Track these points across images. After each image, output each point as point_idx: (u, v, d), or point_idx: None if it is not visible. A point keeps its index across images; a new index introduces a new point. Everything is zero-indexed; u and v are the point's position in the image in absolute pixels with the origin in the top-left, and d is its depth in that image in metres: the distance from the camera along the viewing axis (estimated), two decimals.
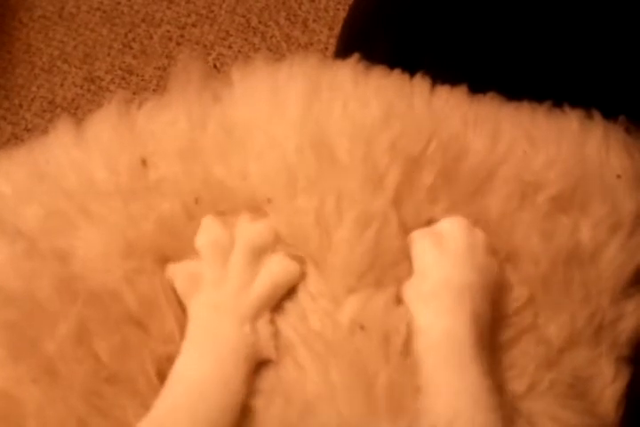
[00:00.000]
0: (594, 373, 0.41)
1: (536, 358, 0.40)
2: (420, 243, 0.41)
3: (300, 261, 0.41)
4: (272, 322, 0.39)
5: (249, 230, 0.41)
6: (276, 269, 0.40)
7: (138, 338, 0.38)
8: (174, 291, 0.40)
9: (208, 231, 0.41)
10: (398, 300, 0.40)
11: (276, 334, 0.39)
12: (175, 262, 0.41)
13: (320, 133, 0.42)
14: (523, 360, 0.40)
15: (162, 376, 0.37)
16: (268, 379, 0.38)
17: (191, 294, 0.40)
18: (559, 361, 0.41)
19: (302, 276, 0.40)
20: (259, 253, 0.40)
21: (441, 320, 0.38)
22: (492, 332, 0.39)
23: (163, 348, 0.38)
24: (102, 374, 0.37)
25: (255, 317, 0.39)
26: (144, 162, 0.41)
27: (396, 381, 0.37)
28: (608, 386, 0.41)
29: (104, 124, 0.43)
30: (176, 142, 0.42)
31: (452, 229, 0.41)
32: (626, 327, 0.42)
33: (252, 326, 0.38)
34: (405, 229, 0.41)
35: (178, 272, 0.40)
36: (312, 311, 0.39)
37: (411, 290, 0.40)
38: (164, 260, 0.41)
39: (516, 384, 0.39)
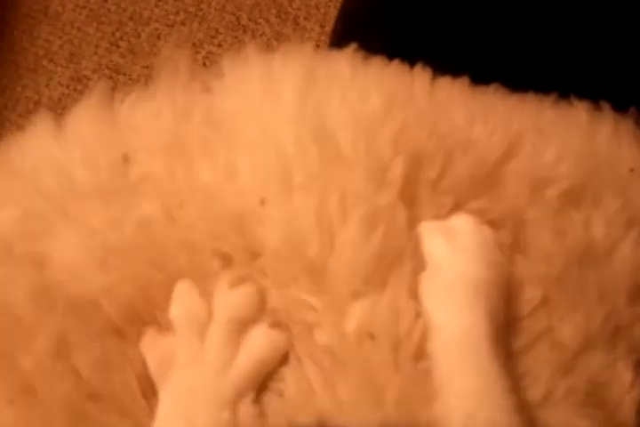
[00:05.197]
0: (611, 378, 0.39)
1: (550, 365, 0.38)
2: (432, 235, 0.39)
3: (293, 279, 0.38)
4: (256, 402, 0.35)
5: (229, 301, 0.37)
6: (261, 343, 0.36)
7: (119, 350, 0.36)
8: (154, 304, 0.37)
9: (183, 301, 0.37)
10: (407, 299, 0.38)
11: (260, 416, 0.35)
12: (150, 334, 0.37)
13: (320, 124, 0.39)
14: (536, 367, 0.38)
15: (146, 395, 0.35)
16: (269, 403, 0.35)
17: (163, 375, 0.36)
18: (574, 367, 0.39)
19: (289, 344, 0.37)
20: (240, 326, 0.37)
21: (456, 318, 0.36)
22: (508, 333, 0.38)
23: (144, 361, 0.36)
24: (84, 392, 0.34)
25: (236, 400, 0.35)
26: (126, 158, 0.38)
27: (407, 390, 0.34)
28: (627, 392, 0.39)
29: (84, 119, 0.41)
30: (160, 136, 0.39)
31: (463, 224, 0.39)
32: None
33: (231, 411, 0.34)
34: (412, 225, 0.39)
35: (151, 348, 0.36)
36: (316, 325, 0.37)
37: (424, 285, 0.38)
38: (146, 266, 0.38)
39: (531, 393, 0.37)
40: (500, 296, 0.37)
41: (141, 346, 0.36)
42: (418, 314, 0.37)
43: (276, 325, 0.37)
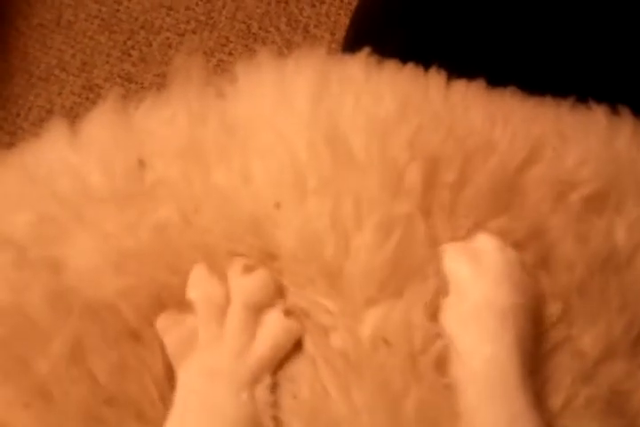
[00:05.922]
0: (632, 387, 0.38)
1: (571, 373, 0.37)
2: (454, 257, 0.37)
3: (310, 281, 0.37)
4: (272, 387, 0.36)
5: (245, 286, 0.37)
6: (276, 328, 0.37)
7: (135, 354, 0.35)
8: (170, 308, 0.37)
9: (200, 284, 0.37)
10: (425, 315, 0.37)
11: (274, 403, 0.35)
12: (166, 316, 0.37)
13: (333, 128, 0.39)
14: (557, 375, 0.37)
15: (164, 399, 0.34)
16: (283, 403, 0.35)
17: (182, 356, 0.36)
18: (595, 375, 0.38)
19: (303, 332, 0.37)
20: (256, 311, 0.37)
21: (483, 345, 0.35)
22: (535, 357, 0.36)
23: (161, 365, 0.36)
24: (100, 396, 0.34)
25: (254, 382, 0.35)
26: (141, 163, 0.38)
27: (428, 401, 0.34)
28: None
29: (98, 124, 0.40)
30: (175, 140, 0.39)
31: (487, 245, 0.38)
32: None
33: (249, 393, 0.35)
34: (432, 237, 0.38)
35: (169, 329, 0.36)
36: (332, 328, 0.36)
37: (448, 310, 0.36)
38: (162, 269, 0.38)
39: (551, 401, 0.36)
40: (527, 321, 0.36)
41: (157, 326, 0.36)
42: (434, 334, 0.36)
43: (289, 312, 0.37)
